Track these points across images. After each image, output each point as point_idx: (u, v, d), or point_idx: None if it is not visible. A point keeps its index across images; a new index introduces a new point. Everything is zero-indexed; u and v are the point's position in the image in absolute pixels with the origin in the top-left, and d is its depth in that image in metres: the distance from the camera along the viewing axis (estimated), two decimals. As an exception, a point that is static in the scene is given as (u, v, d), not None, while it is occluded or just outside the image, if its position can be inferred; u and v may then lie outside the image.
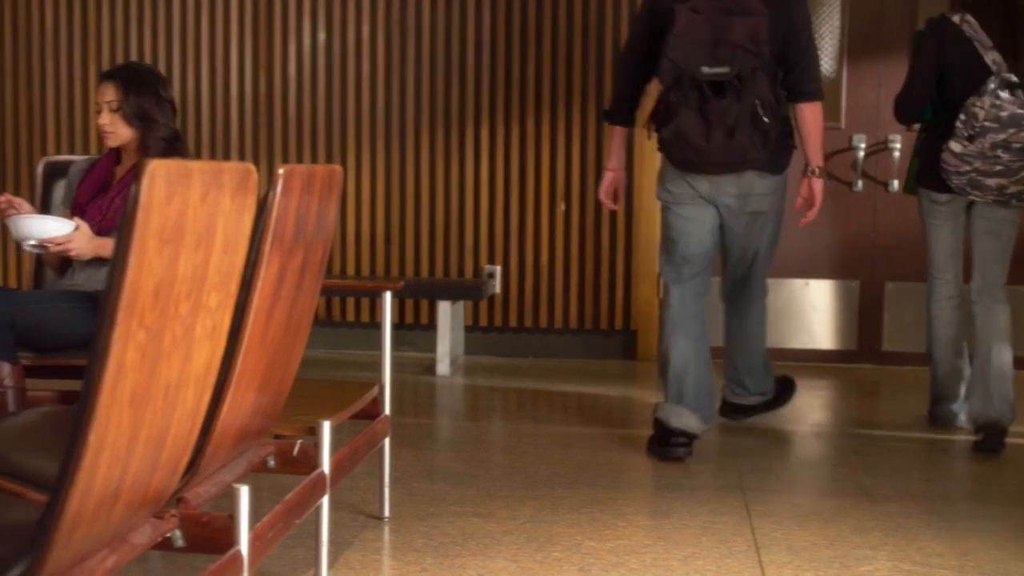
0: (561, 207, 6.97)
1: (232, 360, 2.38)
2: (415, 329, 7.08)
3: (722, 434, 5.12)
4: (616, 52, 6.89)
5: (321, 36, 7.10)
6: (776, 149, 4.64)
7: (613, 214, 6.92)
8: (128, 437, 1.92)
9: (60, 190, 4.48)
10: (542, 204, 7.00)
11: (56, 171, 4.63)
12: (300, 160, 7.11)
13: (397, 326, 7.04)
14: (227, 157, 7.13)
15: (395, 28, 7.04)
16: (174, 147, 4.28)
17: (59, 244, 3.94)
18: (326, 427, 3.05)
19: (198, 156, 6.89)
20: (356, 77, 7.09)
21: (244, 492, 2.39)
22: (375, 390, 3.64)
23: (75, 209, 4.20)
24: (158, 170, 1.79)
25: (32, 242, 3.95)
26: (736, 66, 4.46)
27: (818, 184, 4.81)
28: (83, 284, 4.11)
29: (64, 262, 4.27)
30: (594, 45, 6.93)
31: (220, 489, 2.67)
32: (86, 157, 4.65)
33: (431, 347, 6.66)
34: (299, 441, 3.09)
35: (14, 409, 3.72)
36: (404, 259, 7.10)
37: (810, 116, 4.76)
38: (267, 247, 2.39)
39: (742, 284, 5.10)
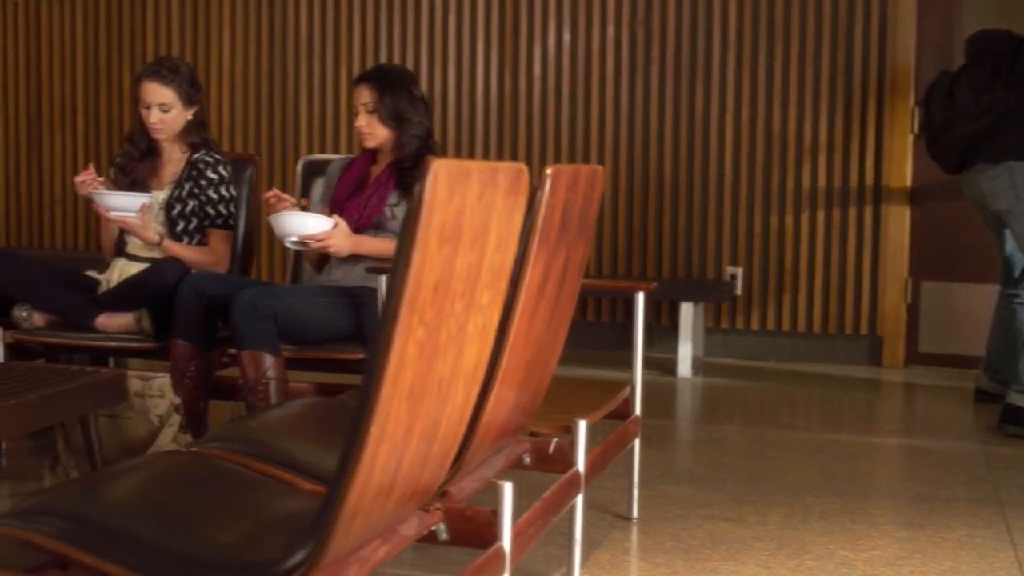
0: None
1: (498, 357, 2.40)
2: (655, 329, 7.04)
3: (974, 444, 4.95)
4: (864, 50, 6.75)
5: (566, 37, 7.14)
6: (991, 138, 5.16)
7: (860, 215, 6.77)
8: (405, 430, 1.96)
9: (318, 188, 4.60)
10: (786, 205, 6.89)
11: (314, 169, 4.77)
12: (543, 160, 7.16)
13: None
14: (471, 156, 7.23)
15: (640, 29, 7.03)
16: (427, 145, 4.36)
17: (319, 241, 4.06)
18: (582, 426, 3.06)
19: (443, 155, 7.00)
20: (600, 78, 7.11)
21: (508, 488, 2.41)
22: (627, 390, 3.64)
23: (333, 207, 4.31)
24: (441, 169, 1.82)
25: (293, 239, 4.08)
26: None
27: None
28: (340, 280, 4.22)
29: (322, 258, 4.39)
30: (843, 44, 6.78)
31: (481, 484, 2.70)
32: (343, 156, 4.77)
33: (669, 348, 6.63)
34: (555, 439, 3.11)
35: (276, 400, 3.85)
36: (646, 260, 7.08)
37: None
38: (534, 246, 2.41)
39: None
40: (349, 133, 7.50)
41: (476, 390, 2.29)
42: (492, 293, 2.20)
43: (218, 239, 4.50)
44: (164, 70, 4.46)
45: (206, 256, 4.44)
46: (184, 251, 4.39)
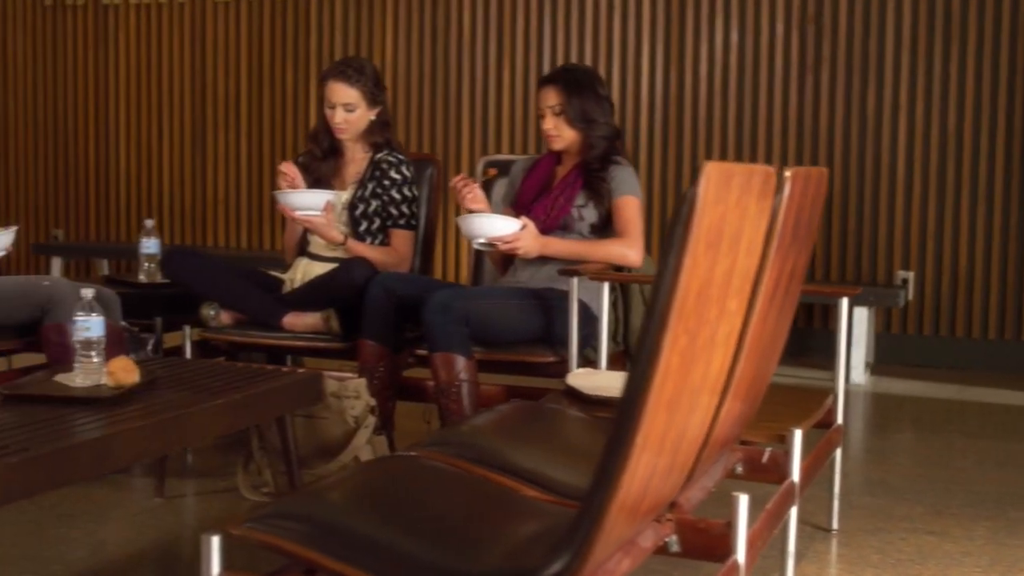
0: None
1: (734, 365, 2.33)
2: (821, 333, 6.89)
3: None
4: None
5: (734, 35, 7.02)
6: None
7: (1040, 219, 6.57)
8: (660, 440, 1.90)
9: (500, 188, 4.57)
10: (961, 206, 6.70)
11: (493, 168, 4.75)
12: (709, 160, 7.04)
13: (803, 331, 6.90)
14: (635, 156, 7.15)
15: (810, 27, 6.89)
16: (614, 146, 4.30)
17: (507, 243, 4.02)
18: (797, 435, 2.97)
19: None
20: (768, 77, 6.97)
21: (743, 500, 2.34)
22: (830, 399, 3.54)
23: (519, 208, 4.27)
24: (713, 172, 1.76)
25: (481, 240, 4.05)
26: None
27: None
28: (527, 282, 4.18)
29: (506, 259, 4.36)
30: (1022, 41, 6.57)
31: (704, 494, 2.64)
32: (526, 156, 4.74)
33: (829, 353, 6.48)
34: (769, 448, 3.03)
35: (468, 403, 3.81)
36: (814, 263, 6.93)
37: None
38: (772, 251, 2.33)
39: None
40: (512, 132, 7.48)
41: (716, 399, 2.23)
42: (738, 300, 2.13)
43: (401, 239, 4.49)
44: (350, 70, 4.46)
45: (389, 256, 4.43)
46: (368, 251, 4.39)
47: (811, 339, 6.83)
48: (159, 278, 4.93)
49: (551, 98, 4.24)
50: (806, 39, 6.91)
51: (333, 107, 4.45)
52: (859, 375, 6.26)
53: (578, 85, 4.25)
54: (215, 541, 1.98)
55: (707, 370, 2.05)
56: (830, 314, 6.89)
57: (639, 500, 1.95)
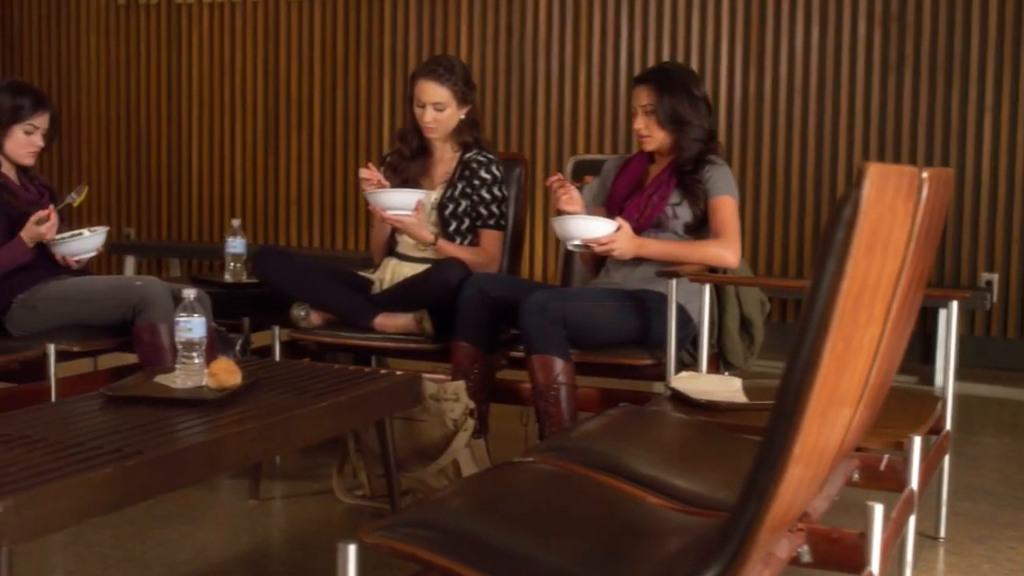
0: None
1: (870, 371, 2.27)
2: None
3: None
4: None
5: (815, 34, 6.92)
6: None
7: None
8: (810, 450, 1.85)
9: (591, 187, 4.51)
10: (1047, 209, 6.58)
11: (584, 169, 4.70)
12: (788, 161, 6.96)
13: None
14: (713, 157, 7.06)
15: (893, 25, 6.78)
16: (708, 148, 4.23)
17: (602, 244, 3.96)
18: (916, 442, 2.91)
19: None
20: (850, 77, 6.87)
21: (879, 510, 2.28)
22: (940, 404, 3.47)
23: (611, 206, 4.22)
24: (875, 174, 1.70)
25: (576, 242, 4.00)
26: None
27: None
28: (621, 283, 4.13)
29: (597, 260, 4.31)
30: (1112, 39, 6.45)
31: (829, 503, 2.58)
32: (617, 155, 4.68)
33: (917, 355, 6.39)
34: (887, 456, 2.96)
35: (567, 405, 3.76)
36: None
37: None
38: (909, 253, 2.27)
39: None
40: (587, 131, 7.42)
41: (854, 407, 2.17)
42: (882, 305, 2.07)
43: (490, 239, 4.45)
44: (440, 69, 4.42)
45: (479, 256, 4.39)
46: (458, 251, 4.36)
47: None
48: (244, 278, 4.92)
49: (643, 97, 4.17)
50: (888, 38, 6.80)
51: (423, 106, 4.41)
52: (942, 378, 6.14)
53: (671, 85, 4.17)
54: (351, 550, 1.94)
55: (852, 377, 1.99)
56: (912, 316, 6.77)
57: (787, 512, 1.90)
